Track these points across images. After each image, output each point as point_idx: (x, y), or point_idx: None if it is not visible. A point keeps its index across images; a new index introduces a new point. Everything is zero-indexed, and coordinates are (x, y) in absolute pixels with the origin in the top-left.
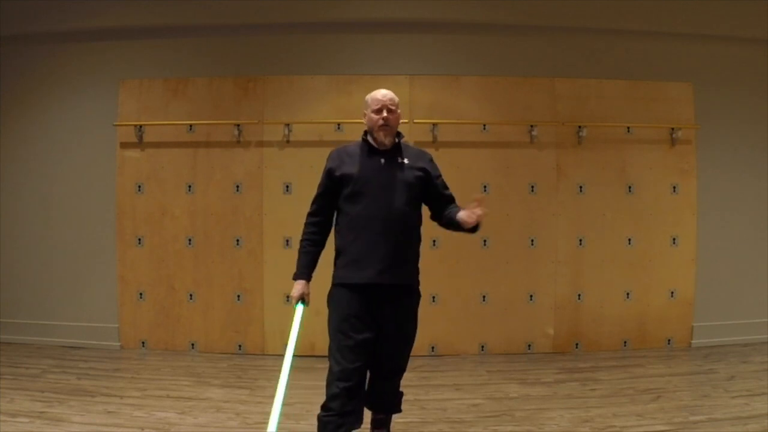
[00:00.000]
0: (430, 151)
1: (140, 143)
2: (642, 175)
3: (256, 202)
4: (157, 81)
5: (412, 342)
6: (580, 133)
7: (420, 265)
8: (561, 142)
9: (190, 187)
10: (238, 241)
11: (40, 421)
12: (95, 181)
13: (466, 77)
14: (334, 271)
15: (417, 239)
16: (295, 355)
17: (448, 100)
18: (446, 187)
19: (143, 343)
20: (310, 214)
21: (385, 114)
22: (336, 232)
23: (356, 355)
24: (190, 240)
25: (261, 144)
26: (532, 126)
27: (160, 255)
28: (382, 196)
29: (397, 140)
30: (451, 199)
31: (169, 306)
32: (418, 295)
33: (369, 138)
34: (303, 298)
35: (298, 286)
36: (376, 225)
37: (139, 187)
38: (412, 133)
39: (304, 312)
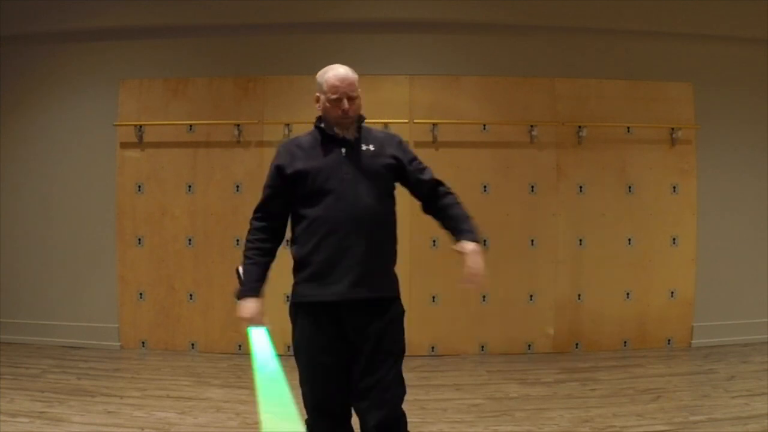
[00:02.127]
0: (430, 151)
1: (140, 143)
2: (642, 175)
3: (256, 202)
4: (157, 81)
5: (398, 364)
6: (580, 133)
7: (418, 266)
8: (561, 142)
9: (190, 187)
10: (238, 241)
11: (40, 421)
12: (95, 181)
13: (466, 77)
14: (294, 286)
15: (393, 240)
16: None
17: (448, 100)
18: (424, 170)
19: (143, 343)
20: (255, 220)
21: (345, 105)
22: (292, 241)
23: (328, 382)
24: (190, 240)
25: (261, 144)
26: (532, 126)
27: (160, 255)
28: (346, 193)
29: (358, 126)
30: (436, 183)
31: (169, 306)
32: (401, 309)
33: (324, 126)
34: (255, 320)
35: (248, 306)
36: (342, 228)
37: (139, 187)
38: (412, 133)
39: (268, 334)
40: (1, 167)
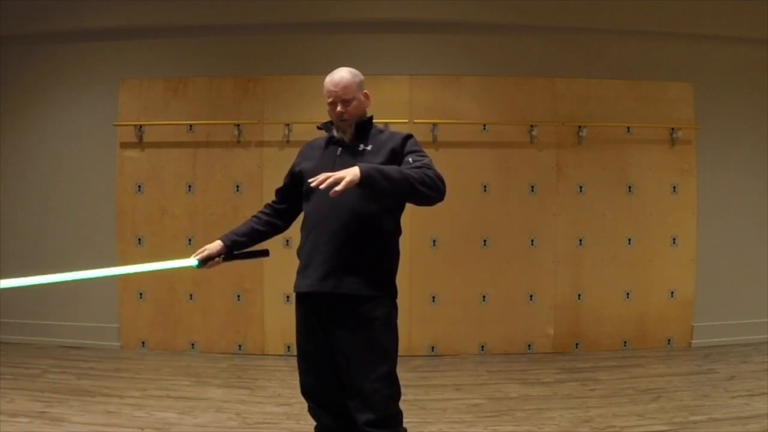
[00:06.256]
0: (430, 151)
1: (140, 143)
2: (642, 175)
3: (256, 202)
4: (157, 81)
5: (384, 365)
6: (580, 133)
7: (418, 266)
8: (561, 142)
9: (190, 187)
10: None
11: (40, 421)
12: (95, 181)
13: (467, 77)
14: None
15: (378, 240)
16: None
17: (448, 100)
18: (417, 163)
19: (143, 343)
20: (271, 201)
21: (338, 109)
22: None
23: (313, 369)
24: (190, 240)
25: (261, 144)
26: (532, 126)
27: (160, 255)
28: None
29: (358, 127)
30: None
31: (169, 306)
32: (387, 307)
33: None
34: (202, 256)
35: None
36: (322, 225)
37: (139, 187)
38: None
39: (188, 266)
40: (1, 167)
